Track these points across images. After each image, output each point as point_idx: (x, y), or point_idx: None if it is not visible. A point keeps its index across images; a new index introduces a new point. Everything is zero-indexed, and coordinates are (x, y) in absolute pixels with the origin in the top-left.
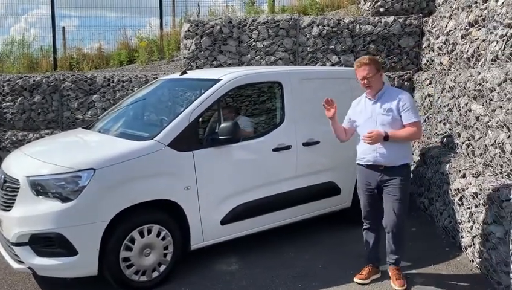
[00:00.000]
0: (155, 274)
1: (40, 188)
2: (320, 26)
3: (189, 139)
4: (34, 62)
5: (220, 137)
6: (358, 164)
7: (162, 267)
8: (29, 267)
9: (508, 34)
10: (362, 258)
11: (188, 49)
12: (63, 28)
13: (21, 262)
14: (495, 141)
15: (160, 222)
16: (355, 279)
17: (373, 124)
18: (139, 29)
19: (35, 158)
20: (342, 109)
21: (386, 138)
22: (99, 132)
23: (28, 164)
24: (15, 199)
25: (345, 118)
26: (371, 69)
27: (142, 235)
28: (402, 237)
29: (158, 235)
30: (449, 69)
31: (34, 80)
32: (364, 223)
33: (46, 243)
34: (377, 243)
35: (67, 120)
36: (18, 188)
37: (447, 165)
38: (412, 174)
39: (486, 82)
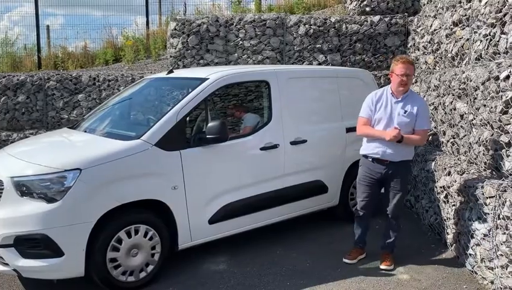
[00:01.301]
0: (143, 274)
1: (24, 188)
2: (306, 25)
3: (177, 139)
4: (17, 61)
5: (207, 136)
6: (365, 156)
7: (150, 268)
8: (14, 270)
9: (491, 34)
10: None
11: (175, 48)
12: (47, 26)
13: (6, 264)
14: (479, 138)
15: (148, 222)
16: (345, 260)
17: (391, 122)
18: (125, 27)
19: (19, 159)
20: (329, 107)
21: (399, 141)
22: (85, 131)
23: (12, 165)
24: None
25: (365, 110)
26: (412, 69)
27: (129, 235)
28: (399, 222)
29: (145, 235)
30: (434, 68)
31: (18, 79)
32: (358, 212)
33: (32, 244)
34: (366, 230)
35: (52, 120)
36: (2, 189)
37: (433, 163)
38: None
39: (471, 81)
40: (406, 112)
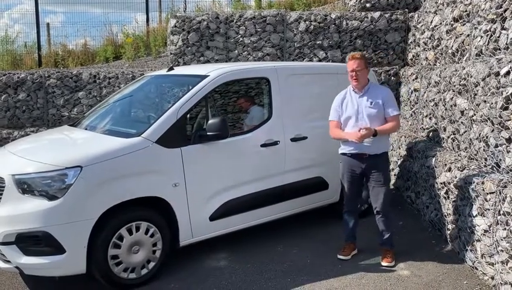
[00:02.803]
0: (144, 271)
1: (26, 186)
2: (307, 22)
3: (177, 136)
4: (18, 59)
5: (208, 133)
6: (343, 153)
7: (151, 264)
8: (16, 267)
9: (491, 29)
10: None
11: (175, 45)
12: (48, 24)
13: (8, 261)
14: (479, 134)
15: (149, 219)
16: (339, 256)
17: (360, 116)
18: (124, 25)
19: (20, 156)
20: (330, 104)
21: (375, 134)
22: (86, 129)
23: (14, 162)
24: (0, 198)
25: (333, 113)
26: (360, 63)
27: (130, 232)
28: (390, 216)
29: (147, 232)
30: (434, 64)
31: (18, 77)
32: (346, 207)
33: (33, 241)
34: (356, 223)
35: (53, 117)
36: (3, 187)
37: (433, 159)
38: (399, 168)
39: (471, 77)
40: (371, 102)
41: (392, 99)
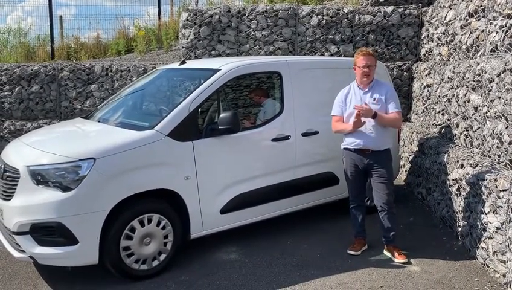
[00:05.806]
0: (155, 263)
1: (40, 177)
2: (319, 16)
3: (189, 129)
4: (31, 51)
5: (219, 127)
6: (346, 148)
7: (162, 256)
8: (30, 256)
9: (507, 25)
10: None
11: (187, 39)
12: (60, 16)
13: (22, 251)
14: (493, 131)
15: (160, 211)
16: (349, 251)
17: None
18: (137, 18)
19: (35, 148)
20: None
21: (374, 116)
22: (99, 121)
23: (28, 154)
24: (15, 189)
25: (335, 108)
26: (373, 60)
27: (142, 224)
28: (395, 213)
29: (158, 224)
30: (448, 60)
31: (31, 70)
32: (352, 202)
33: (47, 232)
34: (364, 218)
35: (66, 110)
36: (18, 178)
37: (445, 156)
38: (410, 164)
39: (485, 73)
40: (374, 99)
41: (395, 97)
